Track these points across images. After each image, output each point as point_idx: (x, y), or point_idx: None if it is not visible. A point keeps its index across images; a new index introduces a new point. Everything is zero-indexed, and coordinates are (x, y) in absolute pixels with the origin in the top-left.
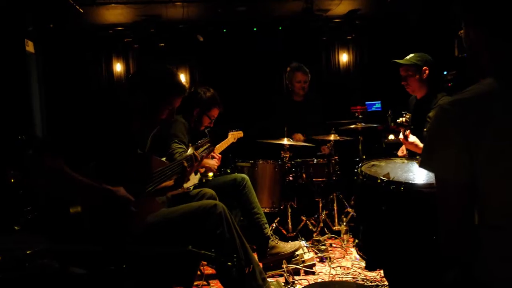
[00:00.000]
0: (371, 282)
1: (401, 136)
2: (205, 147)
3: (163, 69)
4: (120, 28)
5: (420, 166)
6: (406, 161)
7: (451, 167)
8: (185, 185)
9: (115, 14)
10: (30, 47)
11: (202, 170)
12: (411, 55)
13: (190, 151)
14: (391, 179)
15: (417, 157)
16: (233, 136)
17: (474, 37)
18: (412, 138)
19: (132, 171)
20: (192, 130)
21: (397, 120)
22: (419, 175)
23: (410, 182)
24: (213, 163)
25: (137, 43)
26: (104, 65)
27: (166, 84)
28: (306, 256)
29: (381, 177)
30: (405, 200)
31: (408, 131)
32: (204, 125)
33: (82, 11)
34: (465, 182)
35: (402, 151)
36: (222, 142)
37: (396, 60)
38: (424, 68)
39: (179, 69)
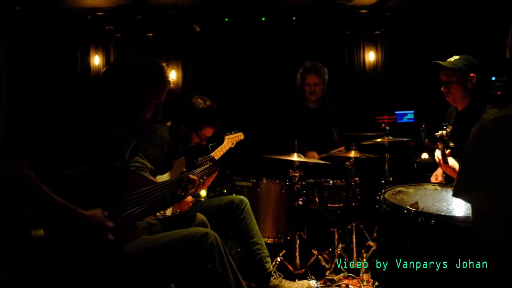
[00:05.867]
0: None
1: (438, 153)
2: (205, 166)
3: (143, 58)
4: (100, 13)
5: (454, 195)
6: (439, 188)
7: (491, 197)
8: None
9: None
10: None
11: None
12: (456, 57)
13: (171, 171)
14: (420, 209)
15: (454, 183)
16: (230, 140)
17: None
18: (451, 161)
19: (110, 188)
20: (180, 145)
21: (436, 133)
22: (454, 206)
23: (443, 214)
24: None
25: (120, 31)
26: (79, 57)
27: (150, 74)
28: None
29: (408, 207)
30: (436, 236)
31: (448, 150)
32: (194, 142)
33: None
34: (509, 216)
35: (436, 176)
36: (217, 150)
37: (438, 62)
38: (472, 74)
39: (169, 64)
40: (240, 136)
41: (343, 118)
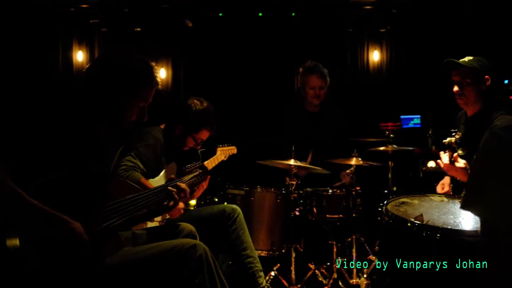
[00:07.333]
0: None
1: (445, 159)
2: (194, 173)
3: (130, 56)
4: (84, 6)
5: (462, 207)
6: (446, 199)
7: (502, 211)
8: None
9: None
10: None
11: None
12: (468, 57)
13: (161, 175)
14: (424, 222)
15: (463, 194)
16: (223, 152)
17: None
18: (461, 163)
19: (91, 195)
20: (173, 149)
21: (444, 140)
22: (462, 219)
23: (450, 227)
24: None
25: (105, 25)
26: (61, 52)
27: (136, 73)
28: None
29: (412, 220)
30: (442, 251)
31: (456, 154)
32: (188, 146)
33: None
34: None
35: (443, 186)
36: (209, 160)
37: (453, 60)
38: (486, 76)
39: (159, 62)
40: (233, 150)
41: (345, 123)
